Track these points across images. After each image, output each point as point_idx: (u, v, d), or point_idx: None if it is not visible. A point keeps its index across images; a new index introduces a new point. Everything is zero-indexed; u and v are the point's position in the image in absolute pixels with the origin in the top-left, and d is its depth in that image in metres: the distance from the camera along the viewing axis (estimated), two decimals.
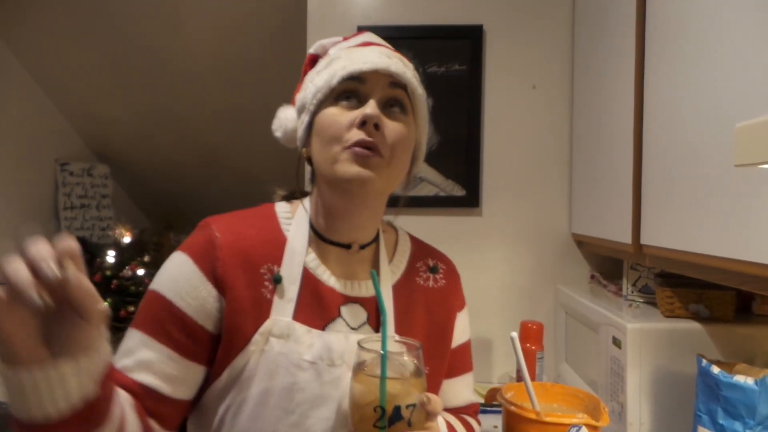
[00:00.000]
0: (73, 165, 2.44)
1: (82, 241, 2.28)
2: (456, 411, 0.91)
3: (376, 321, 0.78)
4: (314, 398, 0.70)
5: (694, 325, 1.14)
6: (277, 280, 0.73)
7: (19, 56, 2.20)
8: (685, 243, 0.96)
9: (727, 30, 0.82)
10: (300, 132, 0.79)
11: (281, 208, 0.82)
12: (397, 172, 0.75)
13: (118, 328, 1.84)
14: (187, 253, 0.73)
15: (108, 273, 1.88)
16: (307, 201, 0.83)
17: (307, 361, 0.70)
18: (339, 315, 0.76)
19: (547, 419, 1.02)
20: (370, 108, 0.70)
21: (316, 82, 0.75)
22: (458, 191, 1.69)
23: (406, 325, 0.80)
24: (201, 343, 0.72)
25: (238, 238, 0.74)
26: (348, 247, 0.79)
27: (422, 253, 0.88)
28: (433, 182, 1.69)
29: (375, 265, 0.82)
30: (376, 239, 0.84)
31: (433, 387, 0.83)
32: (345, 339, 0.73)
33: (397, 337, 0.67)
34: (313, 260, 0.77)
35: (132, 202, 2.94)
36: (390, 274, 0.82)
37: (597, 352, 1.31)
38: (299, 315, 0.73)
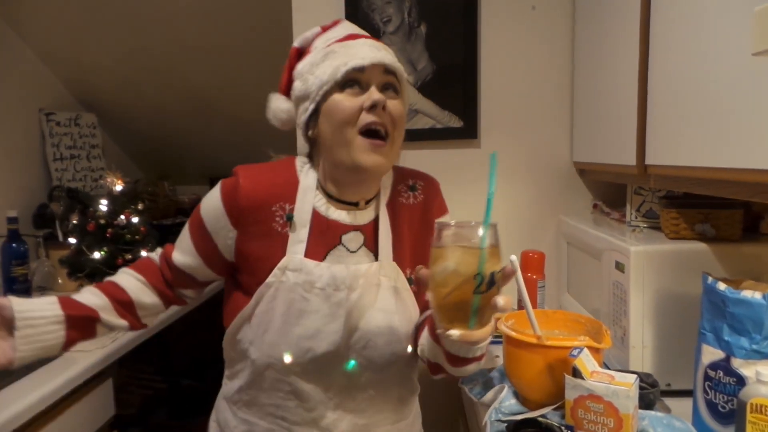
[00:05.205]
0: (59, 115, 2.35)
1: (75, 191, 2.24)
2: None
3: (373, 243, 0.93)
4: (324, 316, 0.88)
5: (699, 246, 1.10)
6: (289, 218, 0.90)
7: None
8: (693, 158, 0.92)
9: None
10: (303, 118, 0.91)
11: (300, 159, 0.97)
12: (398, 147, 0.91)
13: None
14: (221, 192, 0.92)
15: (102, 222, 1.84)
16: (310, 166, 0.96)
17: (317, 288, 0.88)
18: (339, 242, 0.92)
19: (549, 343, 1.00)
20: (377, 94, 0.84)
21: (318, 74, 0.87)
22: (455, 123, 1.63)
23: (396, 239, 0.94)
24: (218, 262, 0.95)
25: (255, 182, 0.91)
26: (356, 204, 0.94)
27: (401, 176, 1.00)
28: (429, 114, 1.63)
29: (375, 207, 0.96)
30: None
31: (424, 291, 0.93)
32: (346, 268, 0.89)
33: (472, 222, 0.70)
34: (321, 203, 0.92)
35: (123, 153, 2.88)
36: (384, 207, 0.96)
37: (599, 280, 1.29)
38: (309, 250, 0.90)
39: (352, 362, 0.90)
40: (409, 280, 0.94)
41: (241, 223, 0.91)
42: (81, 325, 0.89)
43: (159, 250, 1.02)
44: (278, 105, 0.96)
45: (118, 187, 1.94)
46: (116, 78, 2.42)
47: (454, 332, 0.66)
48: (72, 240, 1.91)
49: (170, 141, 2.76)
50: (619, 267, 1.15)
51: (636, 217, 1.35)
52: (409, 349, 0.93)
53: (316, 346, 0.88)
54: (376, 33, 1.60)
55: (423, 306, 0.95)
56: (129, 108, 2.58)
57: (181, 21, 2.13)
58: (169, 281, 1.00)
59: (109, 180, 1.95)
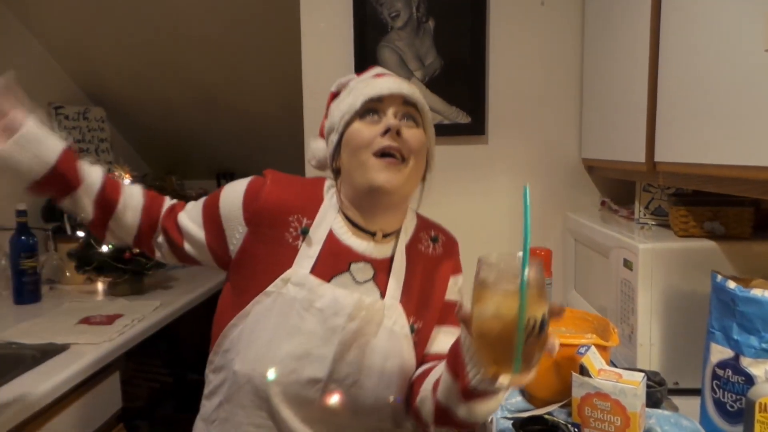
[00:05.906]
0: (68, 108, 2.36)
1: None
2: (441, 358, 0.90)
3: (382, 281, 0.91)
4: (318, 339, 0.85)
5: (708, 244, 1.10)
6: (304, 232, 0.91)
7: None
8: (702, 155, 0.91)
9: None
10: (330, 150, 0.94)
11: (329, 182, 0.98)
12: (417, 174, 0.91)
13: (123, 270, 1.84)
14: (247, 186, 0.93)
15: None
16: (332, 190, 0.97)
17: (316, 308, 0.86)
18: (347, 270, 0.91)
19: None
20: (392, 119, 0.88)
21: (341, 107, 0.91)
22: (463, 118, 1.62)
23: (407, 283, 0.93)
24: (218, 248, 0.94)
25: (281, 188, 0.93)
26: (373, 234, 0.93)
27: (425, 225, 1.01)
28: (436, 110, 1.62)
29: (393, 246, 0.95)
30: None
31: (426, 336, 0.94)
32: (350, 295, 0.87)
33: (519, 254, 0.64)
34: (339, 226, 0.92)
35: (131, 147, 2.89)
36: (403, 248, 0.95)
37: (607, 277, 1.28)
38: (315, 268, 0.89)
39: (335, 397, 0.86)
40: (411, 328, 0.90)
41: (253, 222, 0.90)
42: (60, 183, 0.87)
43: (173, 201, 1.01)
44: (316, 145, 0.99)
45: (126, 181, 1.95)
46: (125, 72, 2.43)
47: (504, 380, 0.62)
48: (80, 233, 1.92)
49: (178, 135, 2.77)
50: (628, 265, 1.14)
51: (644, 215, 1.34)
52: (397, 400, 0.89)
53: (301, 369, 0.84)
54: (384, 28, 1.60)
55: (420, 359, 0.92)
56: (137, 102, 2.59)
57: (189, 15, 2.13)
58: (161, 227, 0.97)
59: (117, 174, 1.96)
